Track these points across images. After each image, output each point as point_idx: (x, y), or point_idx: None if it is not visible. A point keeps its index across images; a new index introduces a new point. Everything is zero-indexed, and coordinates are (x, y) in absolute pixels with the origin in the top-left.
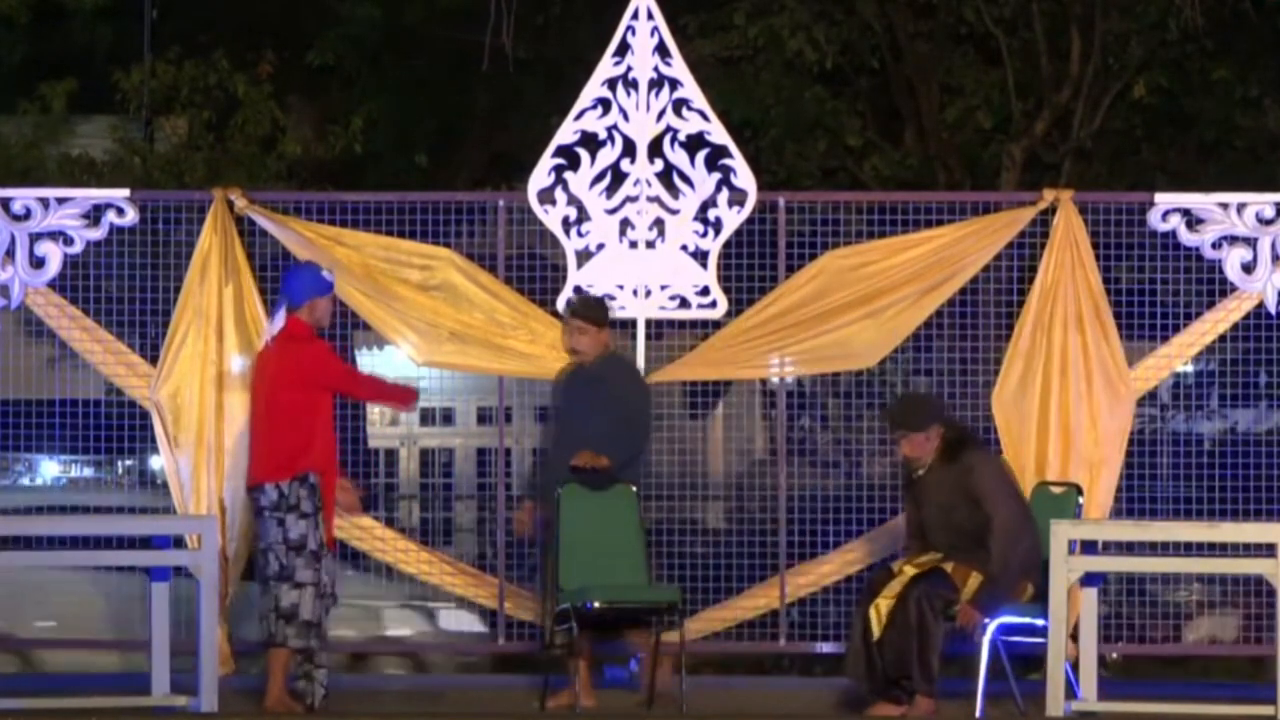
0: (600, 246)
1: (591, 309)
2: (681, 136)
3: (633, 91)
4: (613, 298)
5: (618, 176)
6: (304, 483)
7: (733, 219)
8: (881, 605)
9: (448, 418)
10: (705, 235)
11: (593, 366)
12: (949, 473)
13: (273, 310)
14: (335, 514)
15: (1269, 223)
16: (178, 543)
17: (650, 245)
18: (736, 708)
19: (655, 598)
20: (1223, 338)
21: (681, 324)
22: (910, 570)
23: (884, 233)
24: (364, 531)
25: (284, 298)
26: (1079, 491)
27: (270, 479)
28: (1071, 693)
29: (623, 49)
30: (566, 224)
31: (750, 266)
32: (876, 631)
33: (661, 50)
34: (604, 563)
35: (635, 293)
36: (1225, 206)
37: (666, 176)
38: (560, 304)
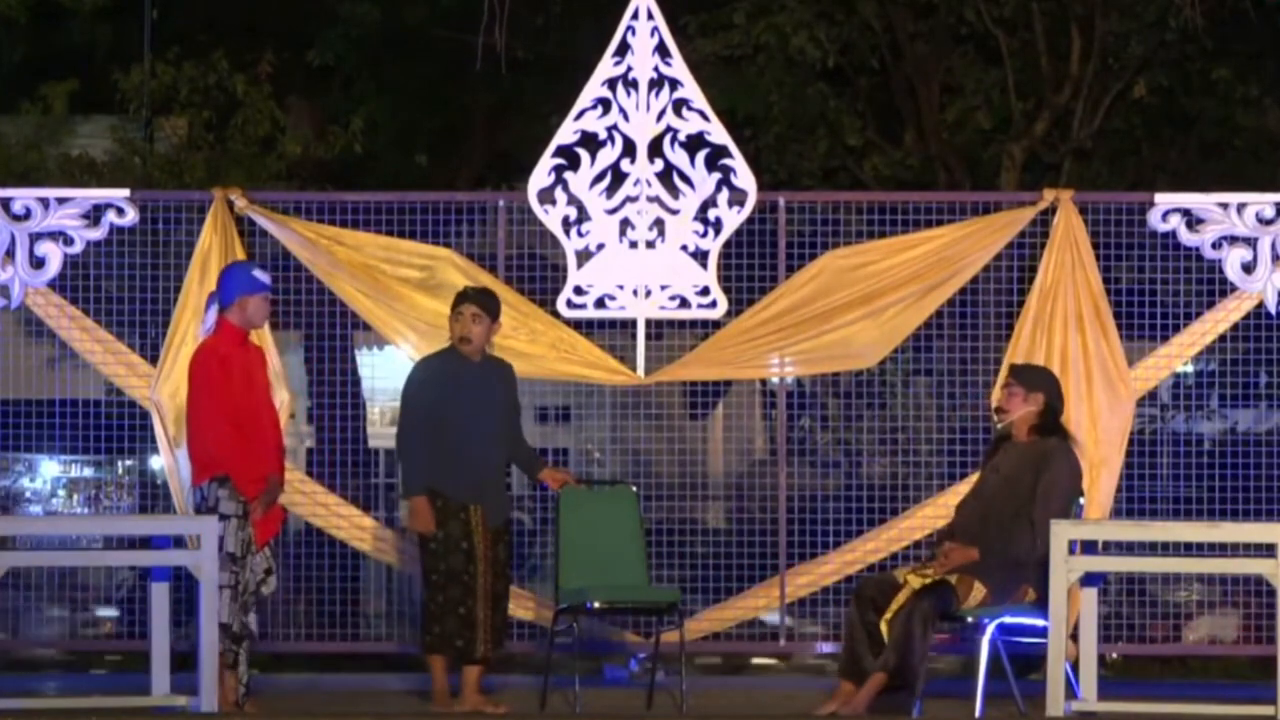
0: (600, 246)
1: (490, 298)
2: (681, 136)
3: (633, 91)
4: (613, 298)
5: (618, 176)
6: (222, 484)
7: (733, 219)
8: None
9: None
10: (705, 235)
11: (482, 362)
12: (1033, 446)
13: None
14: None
15: (1269, 223)
16: (177, 543)
17: (650, 245)
18: (736, 708)
19: (655, 597)
20: (1223, 338)
21: (681, 324)
22: (915, 581)
23: (884, 233)
24: (364, 532)
25: (213, 296)
26: (1079, 492)
27: (193, 482)
28: (1071, 693)
29: (623, 49)
30: (566, 224)
31: (750, 266)
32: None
33: (661, 50)
34: (604, 563)
35: (635, 293)
36: (1225, 206)
37: (666, 176)
38: (561, 304)
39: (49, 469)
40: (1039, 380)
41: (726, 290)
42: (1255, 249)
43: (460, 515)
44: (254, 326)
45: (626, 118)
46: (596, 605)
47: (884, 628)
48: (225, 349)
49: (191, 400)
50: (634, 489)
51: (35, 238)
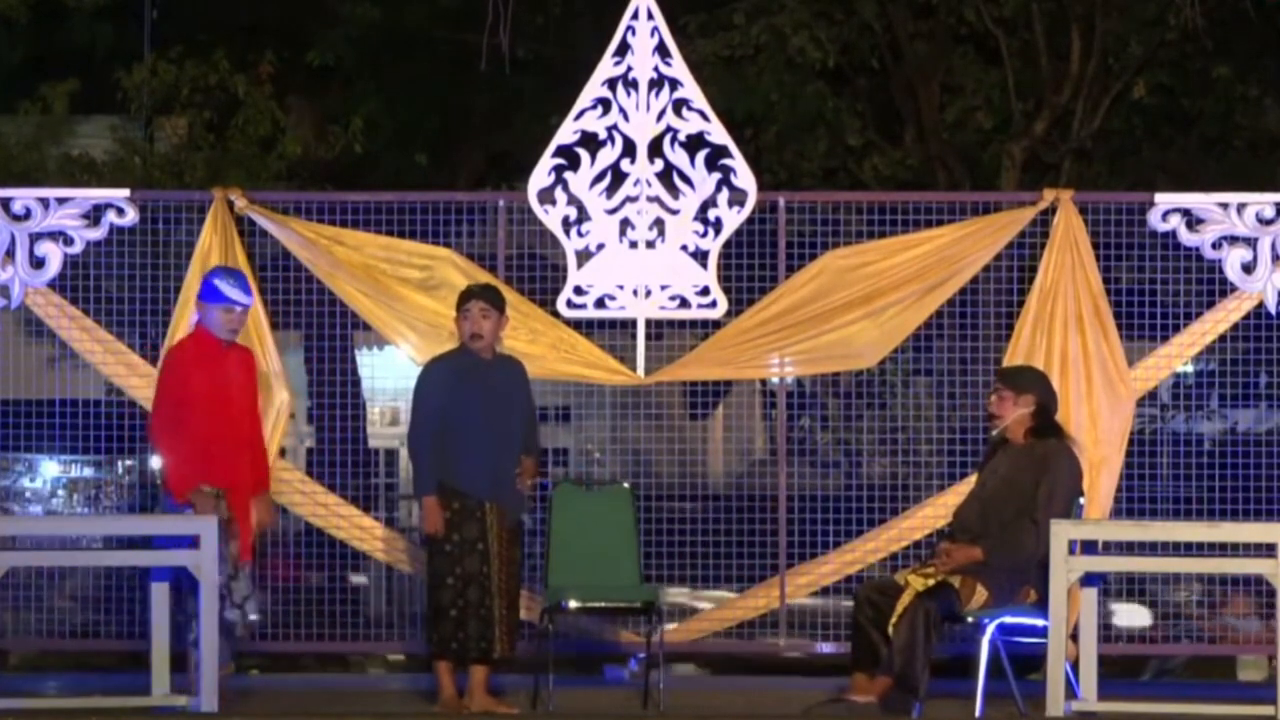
0: (600, 246)
1: (494, 293)
2: (681, 136)
3: (633, 91)
4: (613, 298)
5: (618, 176)
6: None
7: (733, 219)
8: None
9: None
10: (705, 235)
11: (494, 360)
12: (1031, 448)
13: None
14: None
15: (1269, 223)
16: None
17: (650, 245)
18: (736, 708)
19: (630, 598)
20: (1223, 338)
21: (681, 324)
22: (917, 584)
23: (884, 233)
24: (364, 532)
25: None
26: (1080, 491)
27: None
28: (1071, 693)
29: (623, 49)
30: (566, 224)
31: (750, 266)
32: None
33: (661, 50)
34: (596, 562)
35: (635, 293)
36: (1225, 206)
37: (666, 176)
38: (561, 304)
39: (49, 469)
40: (1027, 381)
41: (726, 290)
42: (1255, 249)
43: (476, 514)
44: (219, 336)
45: (626, 118)
46: (571, 605)
47: (892, 632)
48: (192, 350)
49: (160, 400)
50: (628, 488)
51: (35, 238)
